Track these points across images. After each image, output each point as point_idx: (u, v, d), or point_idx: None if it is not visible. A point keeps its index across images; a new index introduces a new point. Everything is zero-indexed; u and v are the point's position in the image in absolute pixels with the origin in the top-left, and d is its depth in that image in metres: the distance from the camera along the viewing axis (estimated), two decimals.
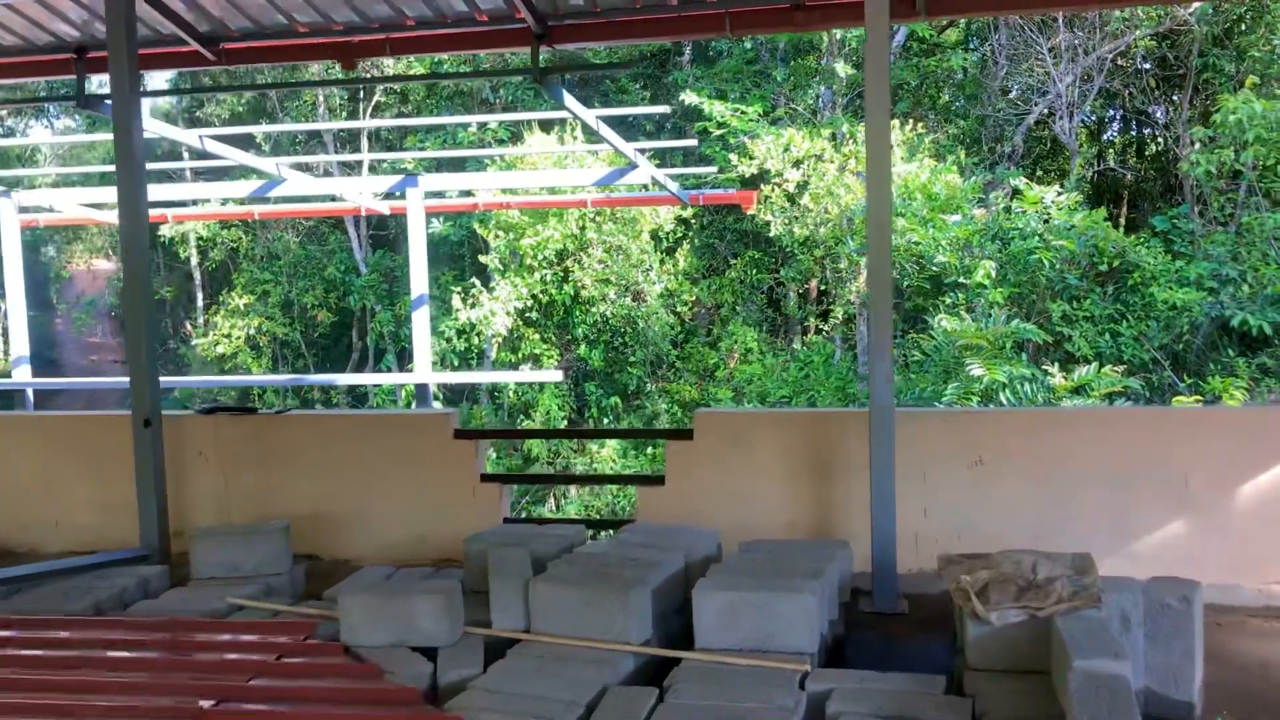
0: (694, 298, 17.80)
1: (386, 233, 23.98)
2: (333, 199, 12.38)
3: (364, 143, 23.32)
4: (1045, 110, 17.82)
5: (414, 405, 11.97)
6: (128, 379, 6.75)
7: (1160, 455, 6.14)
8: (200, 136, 9.51)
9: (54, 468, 7.57)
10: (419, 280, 10.78)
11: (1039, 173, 19.05)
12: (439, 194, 12.84)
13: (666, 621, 5.25)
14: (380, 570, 6.01)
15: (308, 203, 13.67)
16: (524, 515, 13.75)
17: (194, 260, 25.56)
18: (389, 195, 11.59)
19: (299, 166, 23.87)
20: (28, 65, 8.23)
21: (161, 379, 7.13)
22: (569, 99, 8.17)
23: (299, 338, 24.04)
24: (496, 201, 12.59)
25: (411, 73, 17.89)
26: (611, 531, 6.97)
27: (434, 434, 6.98)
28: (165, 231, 23.54)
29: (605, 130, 9.22)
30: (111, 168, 7.82)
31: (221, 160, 10.21)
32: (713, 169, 13.69)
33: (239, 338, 23.00)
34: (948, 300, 11.98)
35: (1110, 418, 6.53)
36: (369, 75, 18.68)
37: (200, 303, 26.14)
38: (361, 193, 11.48)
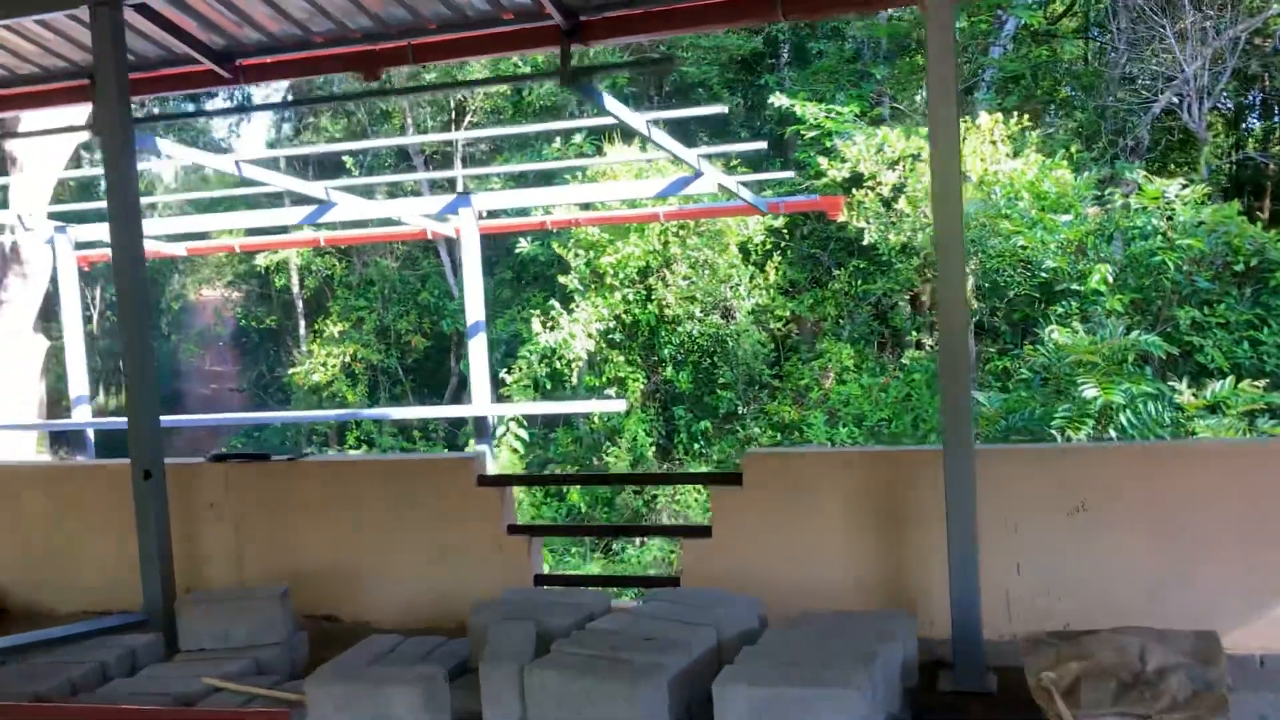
0: (789, 313, 16.79)
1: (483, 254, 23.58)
2: (391, 222, 11.83)
3: (457, 162, 22.97)
4: (1172, 98, 16.29)
5: (471, 443, 11.32)
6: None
7: None
8: (236, 162, 9.03)
9: (68, 522, 7.09)
10: (474, 305, 10.15)
11: (1170, 166, 17.48)
12: (523, 212, 12.21)
13: (693, 715, 4.39)
14: (385, 641, 5.28)
15: (364, 228, 13.20)
16: (561, 571, 12.92)
17: (295, 288, 25.62)
18: (441, 216, 10.97)
19: (393, 187, 23.91)
20: (44, 94, 7.82)
21: (227, 415, 6.66)
22: (611, 102, 7.39)
23: (395, 364, 23.82)
24: (564, 219, 11.91)
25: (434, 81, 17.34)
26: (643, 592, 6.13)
27: (455, 480, 6.24)
28: (261, 261, 23.64)
29: (661, 136, 8.41)
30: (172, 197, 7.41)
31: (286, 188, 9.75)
32: (790, 174, 12.71)
33: (334, 365, 22.87)
34: (1059, 309, 10.77)
35: (1245, 452, 5.39)
36: (389, 86, 18.24)
37: (302, 330, 26.19)
38: (426, 215, 10.90)
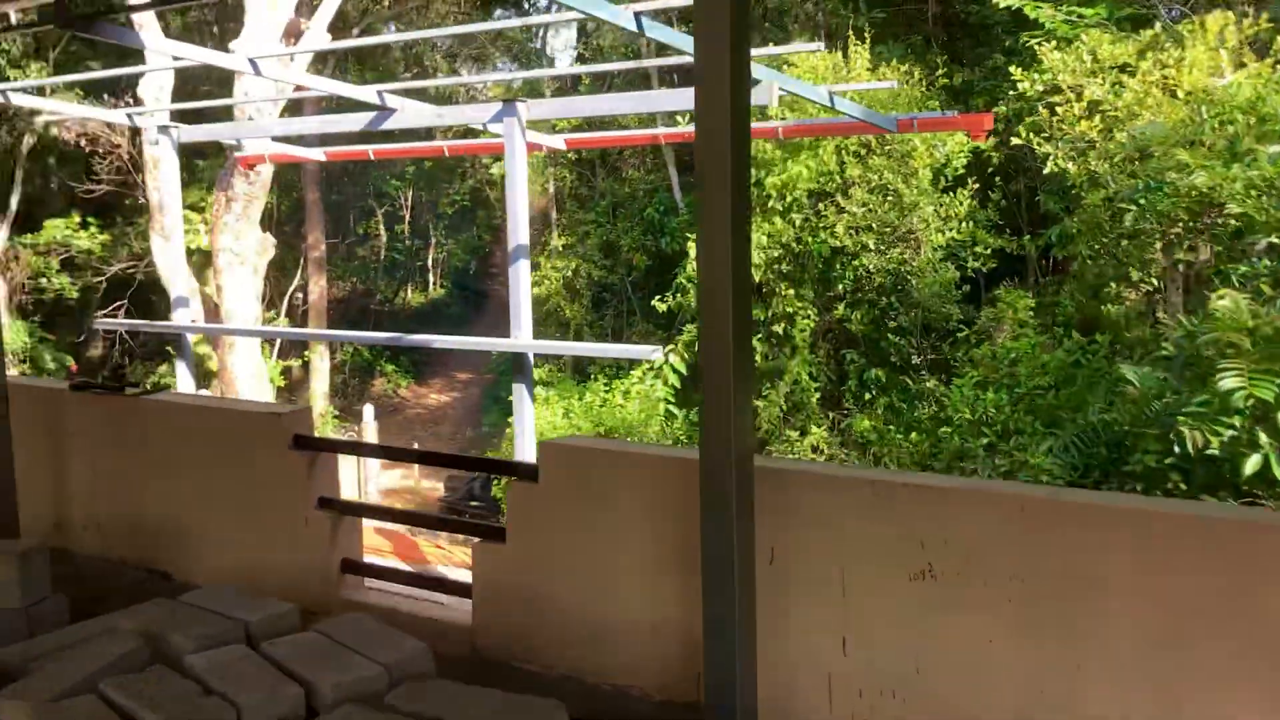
0: (988, 249, 14.35)
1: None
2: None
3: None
4: None
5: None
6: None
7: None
8: (252, 60, 8.41)
9: None
10: (520, 228, 9.09)
11: None
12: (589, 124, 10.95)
13: None
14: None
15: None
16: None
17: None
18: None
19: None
20: None
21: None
22: None
23: (620, 281, 23.16)
24: (633, 136, 10.48)
25: None
26: None
27: (267, 439, 5.34)
28: (496, 170, 23.62)
29: (659, 30, 6.91)
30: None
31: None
32: (891, 83, 10.43)
33: (556, 279, 22.50)
34: (1243, 270, 8.18)
35: (1163, 519, 3.45)
36: None
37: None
38: (485, 126, 9.93)
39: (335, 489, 5.39)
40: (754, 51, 7.58)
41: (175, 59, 9.25)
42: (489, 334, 24.94)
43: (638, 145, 19.11)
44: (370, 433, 24.59)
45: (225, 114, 15.93)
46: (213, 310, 19.86)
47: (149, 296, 25.05)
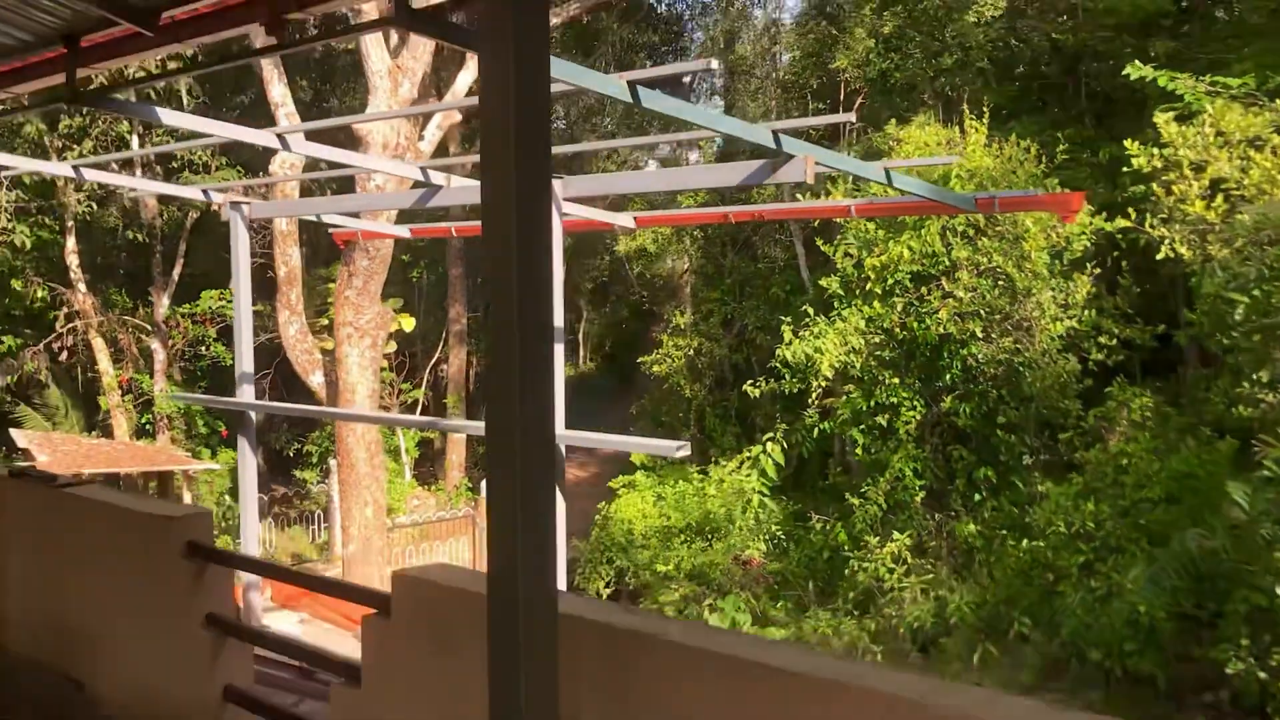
0: (1114, 338, 12.87)
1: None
2: None
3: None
4: None
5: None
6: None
7: None
8: (281, 136, 8.24)
9: None
10: (556, 309, 8.55)
11: None
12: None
13: None
14: None
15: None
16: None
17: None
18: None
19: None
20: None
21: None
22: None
23: (745, 361, 22.43)
24: (702, 213, 9.81)
25: None
26: None
27: (160, 544, 4.90)
28: (623, 244, 23.41)
29: (661, 101, 6.30)
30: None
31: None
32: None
33: (679, 358, 21.95)
34: None
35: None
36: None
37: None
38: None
39: (226, 605, 4.89)
40: (788, 123, 6.91)
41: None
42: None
43: (710, 223, 18.54)
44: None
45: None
46: (334, 383, 20.18)
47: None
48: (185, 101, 23.61)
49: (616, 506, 16.34)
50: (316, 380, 20.52)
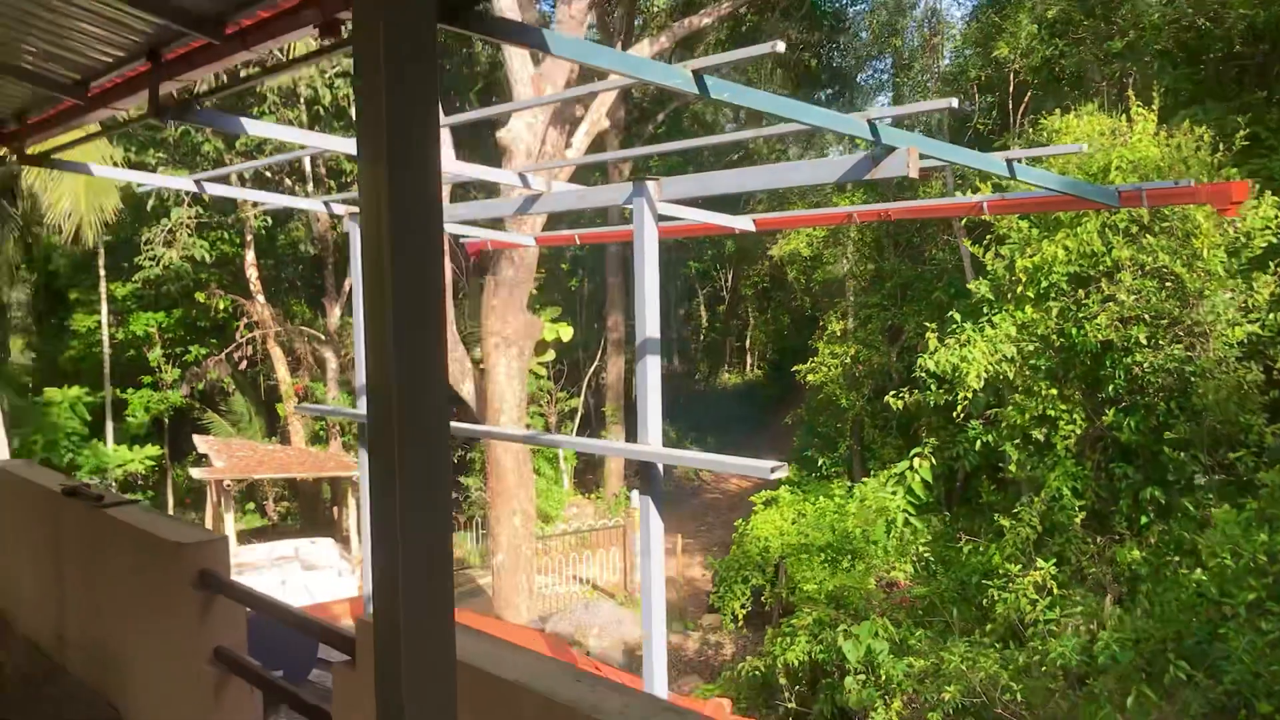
0: None
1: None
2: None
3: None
4: None
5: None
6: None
7: None
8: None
9: None
10: (649, 319, 8.12)
11: None
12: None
13: None
14: None
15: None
16: None
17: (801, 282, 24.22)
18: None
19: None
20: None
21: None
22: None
23: (905, 369, 21.39)
24: (825, 214, 9.11)
25: None
26: None
27: (168, 570, 4.71)
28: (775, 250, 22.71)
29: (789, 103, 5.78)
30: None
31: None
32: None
33: (835, 366, 21.08)
34: None
35: None
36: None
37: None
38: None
39: (236, 639, 4.64)
40: (889, 111, 6.27)
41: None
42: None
43: (840, 223, 17.61)
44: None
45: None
46: (483, 394, 20.32)
47: None
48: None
49: (754, 523, 15.74)
50: (467, 389, 20.70)
